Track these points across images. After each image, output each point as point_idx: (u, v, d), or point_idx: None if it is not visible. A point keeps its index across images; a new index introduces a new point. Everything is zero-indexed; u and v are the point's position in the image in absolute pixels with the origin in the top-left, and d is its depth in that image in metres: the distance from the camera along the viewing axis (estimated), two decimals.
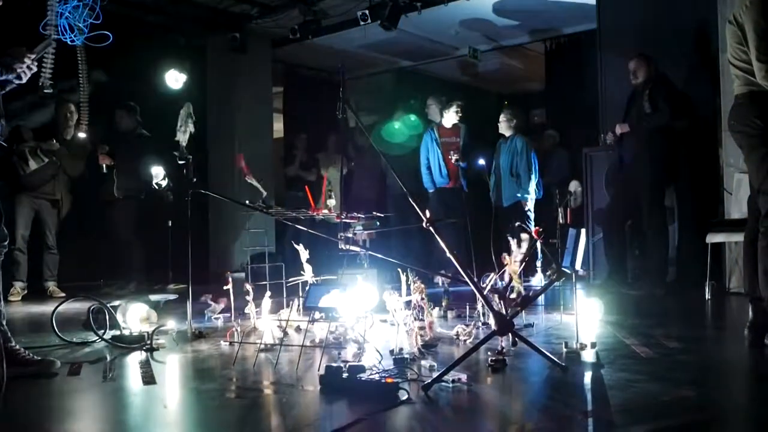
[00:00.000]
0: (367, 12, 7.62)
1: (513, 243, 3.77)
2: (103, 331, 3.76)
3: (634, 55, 5.77)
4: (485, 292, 3.13)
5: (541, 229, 3.57)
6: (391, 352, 3.21)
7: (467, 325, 3.69)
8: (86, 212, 6.70)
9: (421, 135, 7.46)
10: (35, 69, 2.98)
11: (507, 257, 3.62)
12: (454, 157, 7.03)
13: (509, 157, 6.94)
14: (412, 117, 7.74)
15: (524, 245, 3.83)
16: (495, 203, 7.10)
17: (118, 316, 3.83)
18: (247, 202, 4.42)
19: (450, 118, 7.15)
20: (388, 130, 7.84)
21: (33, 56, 2.92)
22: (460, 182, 7.12)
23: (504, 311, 2.95)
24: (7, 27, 3.23)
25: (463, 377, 2.68)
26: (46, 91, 3.16)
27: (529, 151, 6.92)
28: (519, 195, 6.90)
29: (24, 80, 2.97)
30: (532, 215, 7.01)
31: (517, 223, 4.25)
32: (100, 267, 6.62)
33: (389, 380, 2.63)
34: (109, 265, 6.70)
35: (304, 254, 3.89)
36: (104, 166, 6.52)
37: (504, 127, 7.04)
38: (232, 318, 4.00)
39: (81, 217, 6.75)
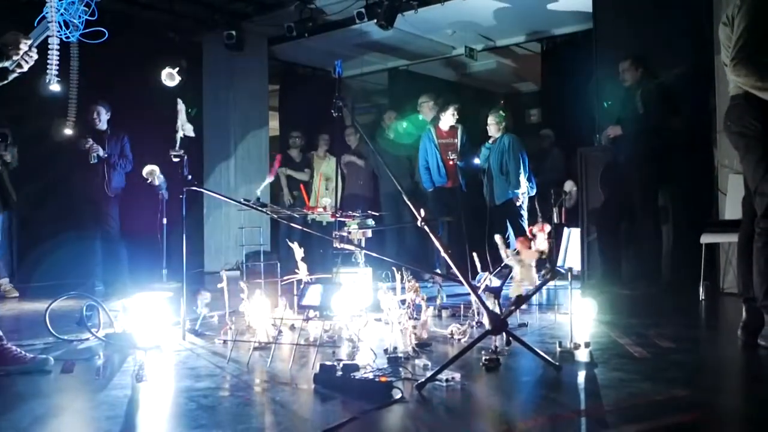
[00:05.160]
0: (363, 11, 7.62)
1: (501, 247, 3.79)
2: (96, 328, 3.75)
3: (624, 58, 5.79)
4: (479, 291, 3.13)
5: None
6: (385, 351, 3.22)
7: (461, 324, 3.70)
8: (77, 209, 6.64)
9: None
10: (36, 56, 2.93)
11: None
12: (452, 157, 7.04)
13: (498, 156, 6.95)
14: (420, 117, 7.73)
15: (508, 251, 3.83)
16: (489, 203, 7.11)
17: (119, 314, 3.82)
18: (242, 199, 4.41)
19: (447, 120, 7.15)
20: (395, 130, 7.82)
21: (30, 41, 2.87)
22: (459, 182, 7.12)
23: (497, 309, 2.95)
24: (2, 23, 3.21)
25: (457, 376, 2.68)
26: (52, 87, 3.12)
27: (516, 149, 6.92)
28: (509, 193, 6.90)
29: (25, 69, 2.92)
30: (525, 213, 7.01)
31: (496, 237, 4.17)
32: (91, 265, 6.58)
33: (383, 379, 2.63)
34: (102, 262, 6.66)
35: (298, 252, 3.89)
36: (96, 155, 6.38)
37: (493, 130, 7.05)
38: (226, 316, 4.00)
39: (71, 215, 6.70)
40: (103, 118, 6.45)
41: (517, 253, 3.72)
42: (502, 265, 3.85)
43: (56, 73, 3.01)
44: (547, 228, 3.72)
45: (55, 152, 6.67)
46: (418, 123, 7.73)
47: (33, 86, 3.21)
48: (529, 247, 3.71)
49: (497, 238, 3.90)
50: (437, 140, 7.13)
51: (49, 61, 2.99)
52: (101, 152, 6.32)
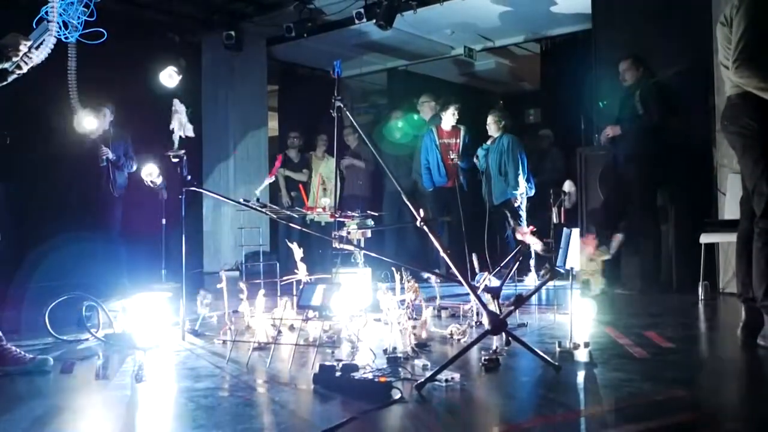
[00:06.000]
0: (362, 11, 7.62)
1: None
2: (95, 329, 3.75)
3: (625, 57, 5.78)
4: (478, 291, 3.13)
5: (535, 229, 3.58)
6: (385, 351, 3.22)
7: (461, 325, 3.70)
8: (78, 209, 6.64)
9: (422, 135, 7.48)
10: (35, 57, 2.94)
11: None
12: (452, 157, 7.05)
13: (497, 156, 6.97)
14: (415, 116, 7.75)
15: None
16: (487, 203, 7.12)
17: (118, 314, 3.83)
18: (241, 200, 4.41)
19: (448, 120, 7.16)
20: (390, 129, 7.85)
21: (29, 43, 2.87)
22: (460, 182, 7.13)
23: (497, 309, 2.95)
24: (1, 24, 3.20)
25: (457, 376, 2.68)
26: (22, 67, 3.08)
27: (515, 149, 6.93)
28: (508, 193, 6.91)
29: (25, 70, 2.91)
30: (523, 213, 7.01)
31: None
32: (92, 265, 6.57)
33: (382, 379, 2.63)
34: (102, 262, 6.66)
35: (298, 253, 3.89)
36: (105, 159, 6.36)
37: (493, 129, 7.06)
38: (226, 316, 4.00)
39: (72, 214, 6.70)
40: (108, 120, 6.45)
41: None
42: (504, 263, 3.85)
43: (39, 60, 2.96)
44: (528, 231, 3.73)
45: (57, 152, 6.67)
46: (413, 122, 7.75)
47: (35, 86, 3.20)
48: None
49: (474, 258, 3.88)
50: (438, 140, 7.15)
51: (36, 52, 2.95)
52: (111, 155, 6.32)
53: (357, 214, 4.86)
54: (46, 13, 2.90)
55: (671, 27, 6.17)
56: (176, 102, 4.01)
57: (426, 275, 4.49)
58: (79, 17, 3.05)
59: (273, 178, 4.59)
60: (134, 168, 6.50)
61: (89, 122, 6.04)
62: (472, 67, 10.40)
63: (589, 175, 6.34)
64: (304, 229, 4.67)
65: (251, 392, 2.72)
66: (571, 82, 7.90)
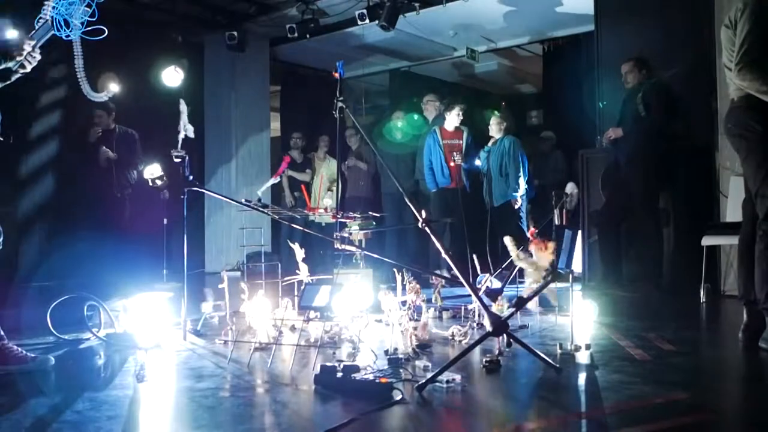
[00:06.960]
0: (365, 12, 7.62)
1: (512, 248, 3.75)
2: (97, 328, 3.76)
3: (627, 59, 5.78)
4: (480, 293, 3.13)
5: (536, 231, 3.58)
6: (386, 352, 3.22)
7: (462, 326, 3.70)
8: (81, 208, 6.65)
9: (423, 135, 7.49)
10: (39, 57, 2.94)
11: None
12: (456, 158, 7.05)
13: (498, 157, 6.98)
14: (415, 116, 7.77)
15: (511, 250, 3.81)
16: (488, 204, 7.13)
17: (120, 314, 3.83)
18: (243, 200, 4.42)
19: (452, 120, 7.16)
20: (390, 129, 7.87)
21: (33, 42, 2.88)
22: (463, 183, 7.12)
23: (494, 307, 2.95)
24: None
25: (458, 378, 2.68)
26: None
27: (517, 151, 6.94)
28: (509, 195, 6.91)
29: (28, 69, 2.92)
30: (524, 215, 7.02)
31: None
32: (94, 265, 6.59)
33: (383, 380, 2.63)
34: (105, 262, 6.67)
35: (299, 253, 3.89)
36: (106, 159, 6.38)
37: (495, 130, 7.07)
38: (227, 316, 4.00)
39: (74, 213, 6.71)
40: (112, 117, 6.47)
41: (531, 255, 3.70)
42: (506, 265, 3.85)
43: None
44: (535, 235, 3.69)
45: (59, 152, 6.69)
46: (413, 122, 7.76)
47: (38, 86, 3.21)
48: (545, 249, 3.66)
49: (507, 239, 3.86)
50: (442, 141, 7.15)
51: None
52: (110, 154, 6.33)
53: (358, 215, 4.86)
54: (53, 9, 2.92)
55: (674, 29, 6.17)
56: (181, 102, 4.02)
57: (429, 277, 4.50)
58: (81, 17, 3.05)
59: (278, 179, 4.59)
60: (140, 167, 6.52)
61: (115, 86, 6.03)
62: (475, 69, 10.40)
63: (591, 177, 6.34)
64: (306, 230, 4.67)
65: (252, 392, 2.72)
66: (574, 84, 7.91)
